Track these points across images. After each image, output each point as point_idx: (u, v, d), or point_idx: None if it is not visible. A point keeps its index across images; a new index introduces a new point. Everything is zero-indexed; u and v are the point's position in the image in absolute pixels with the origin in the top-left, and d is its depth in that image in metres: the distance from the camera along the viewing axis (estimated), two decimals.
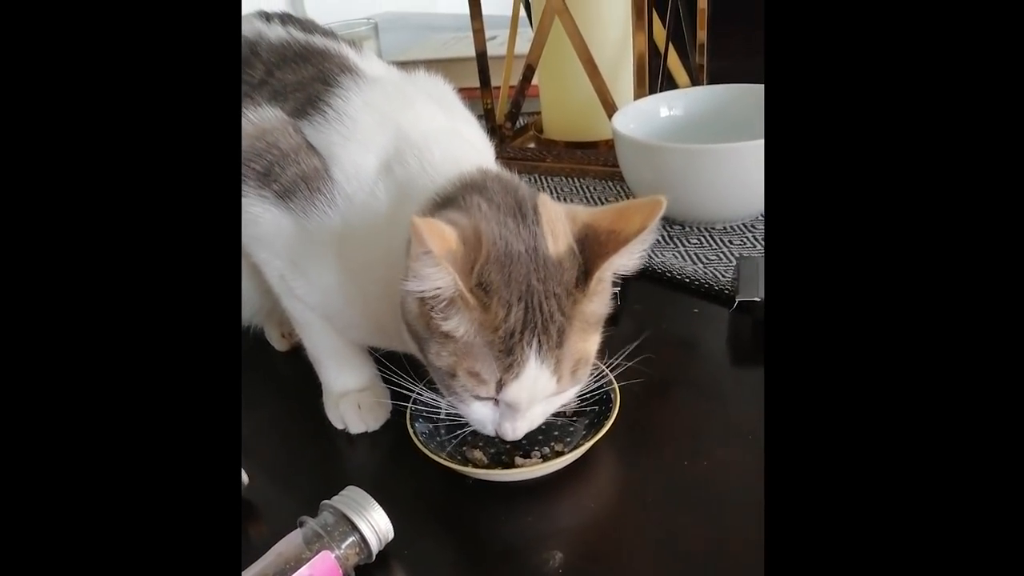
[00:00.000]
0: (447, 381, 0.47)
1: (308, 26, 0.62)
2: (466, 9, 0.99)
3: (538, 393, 0.47)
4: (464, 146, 0.55)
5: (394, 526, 0.47)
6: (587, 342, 0.48)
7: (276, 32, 0.61)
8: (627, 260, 0.47)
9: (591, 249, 0.46)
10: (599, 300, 0.48)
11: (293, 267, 0.55)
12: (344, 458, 0.59)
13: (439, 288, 0.44)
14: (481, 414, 0.49)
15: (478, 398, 0.47)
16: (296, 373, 0.64)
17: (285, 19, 0.62)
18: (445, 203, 0.48)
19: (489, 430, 0.50)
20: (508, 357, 0.45)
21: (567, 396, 0.50)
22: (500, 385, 0.46)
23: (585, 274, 0.46)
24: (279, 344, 0.70)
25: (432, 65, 0.65)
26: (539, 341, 0.45)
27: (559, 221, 0.47)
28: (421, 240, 0.41)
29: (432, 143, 0.52)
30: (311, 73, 0.57)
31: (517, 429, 0.49)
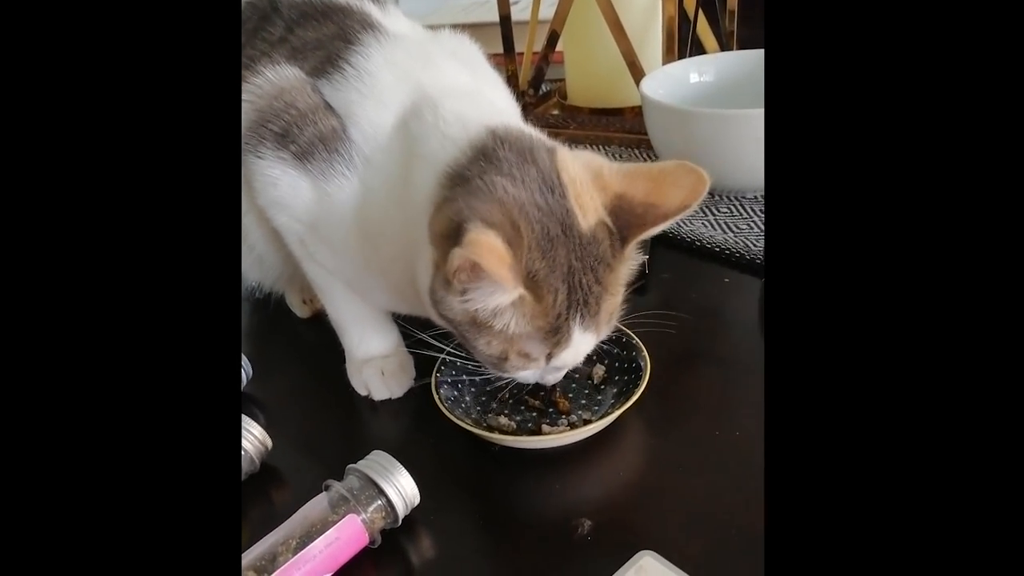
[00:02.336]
0: (497, 363, 0.47)
1: None
2: None
3: (581, 353, 0.48)
4: (483, 105, 0.52)
5: (420, 492, 0.46)
6: (616, 296, 0.48)
7: None
8: (661, 230, 0.46)
9: (626, 220, 0.46)
10: (630, 263, 0.48)
11: (312, 231, 0.54)
12: (368, 424, 0.59)
13: (500, 301, 0.43)
14: (527, 375, 0.50)
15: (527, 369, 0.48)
16: (318, 339, 0.63)
17: None
18: (459, 179, 0.46)
19: (532, 381, 0.51)
20: (556, 335, 0.45)
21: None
22: (549, 357, 0.47)
23: (622, 241, 0.46)
24: (301, 310, 0.69)
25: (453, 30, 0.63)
26: (581, 315, 0.45)
27: (586, 192, 0.46)
28: (484, 272, 0.40)
29: (448, 100, 0.50)
30: (332, 31, 0.55)
31: (559, 376, 0.51)
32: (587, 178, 0.46)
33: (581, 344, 0.47)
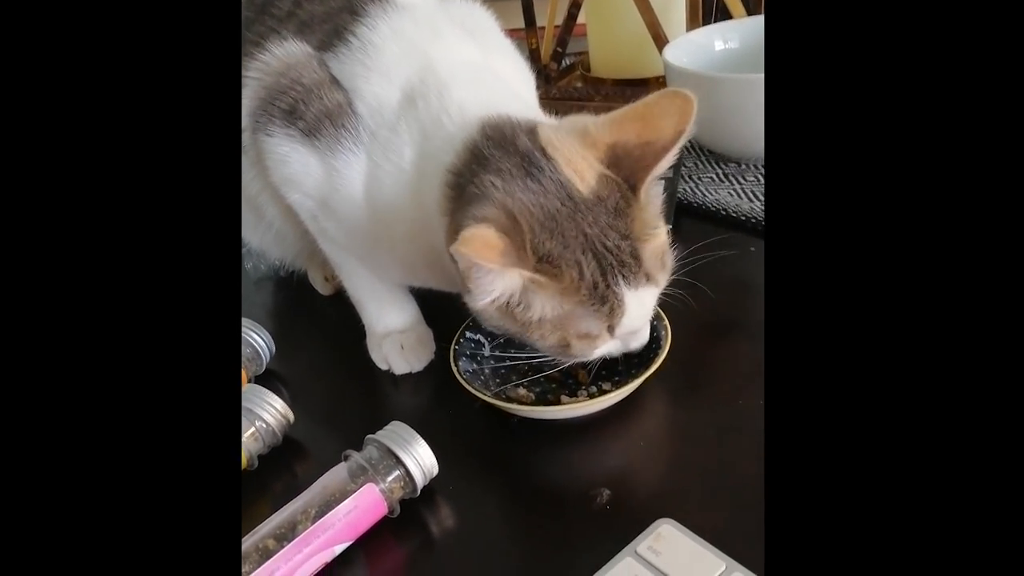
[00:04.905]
0: (564, 351, 0.47)
1: None
2: None
3: (647, 309, 0.47)
4: (486, 87, 0.51)
5: (439, 464, 0.46)
6: (658, 238, 0.46)
7: None
8: (668, 163, 0.45)
9: (628, 166, 0.45)
10: (653, 204, 0.47)
11: (323, 207, 0.53)
12: (388, 398, 0.59)
13: (510, 290, 0.43)
14: (605, 350, 0.48)
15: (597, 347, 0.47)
16: (340, 316, 0.63)
17: None
18: (458, 187, 0.46)
19: (616, 354, 0.50)
20: (604, 305, 0.44)
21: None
22: (612, 329, 0.46)
23: (632, 189, 0.45)
24: (323, 288, 0.70)
25: None
26: (623, 275, 0.44)
27: (577, 156, 0.45)
28: (477, 263, 0.40)
29: (454, 86, 0.49)
30: (339, 3, 0.54)
31: (642, 336, 0.50)
32: (574, 142, 0.45)
33: (641, 301, 0.46)
